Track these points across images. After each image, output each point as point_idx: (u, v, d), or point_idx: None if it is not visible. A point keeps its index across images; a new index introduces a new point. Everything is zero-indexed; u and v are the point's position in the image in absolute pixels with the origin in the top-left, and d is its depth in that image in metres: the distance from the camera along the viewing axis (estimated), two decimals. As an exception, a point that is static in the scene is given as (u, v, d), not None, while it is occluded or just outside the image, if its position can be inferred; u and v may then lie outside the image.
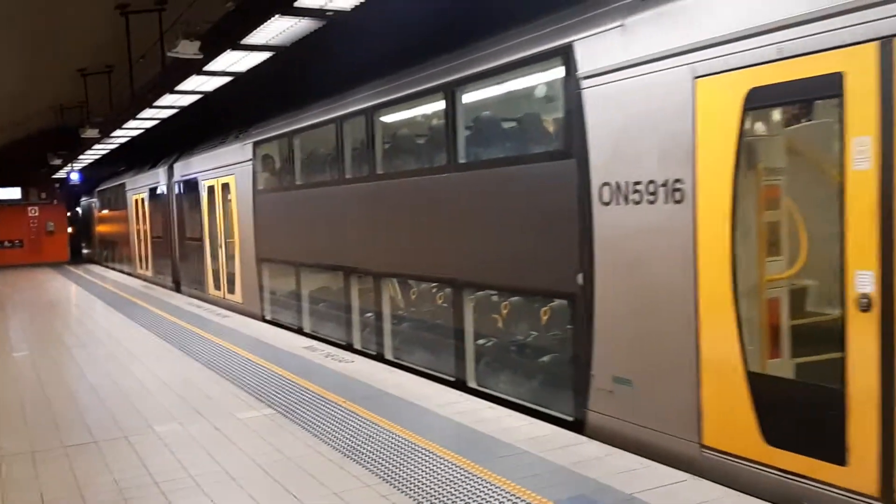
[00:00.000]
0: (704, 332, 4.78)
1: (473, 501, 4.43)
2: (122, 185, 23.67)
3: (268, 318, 12.32)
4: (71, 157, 24.49)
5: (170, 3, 11.33)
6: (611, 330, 5.57)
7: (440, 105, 7.56)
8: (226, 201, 13.88)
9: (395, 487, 4.71)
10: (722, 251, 4.66)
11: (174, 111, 13.87)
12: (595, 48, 5.56)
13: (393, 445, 5.54)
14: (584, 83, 5.64)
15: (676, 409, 5.03)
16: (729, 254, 4.62)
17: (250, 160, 12.31)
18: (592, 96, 5.58)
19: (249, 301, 13.00)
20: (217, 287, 14.90)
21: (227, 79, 10.72)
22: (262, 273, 12.45)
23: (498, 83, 7.19)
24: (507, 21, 6.78)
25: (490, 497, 4.47)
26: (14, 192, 30.17)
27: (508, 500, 4.42)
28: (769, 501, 4.25)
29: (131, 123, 15.84)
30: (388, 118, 9.03)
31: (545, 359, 6.99)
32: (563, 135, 6.09)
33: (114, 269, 26.03)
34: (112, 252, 27.05)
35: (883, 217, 3.82)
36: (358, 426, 6.06)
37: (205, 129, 15.93)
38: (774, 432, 4.41)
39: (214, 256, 14.95)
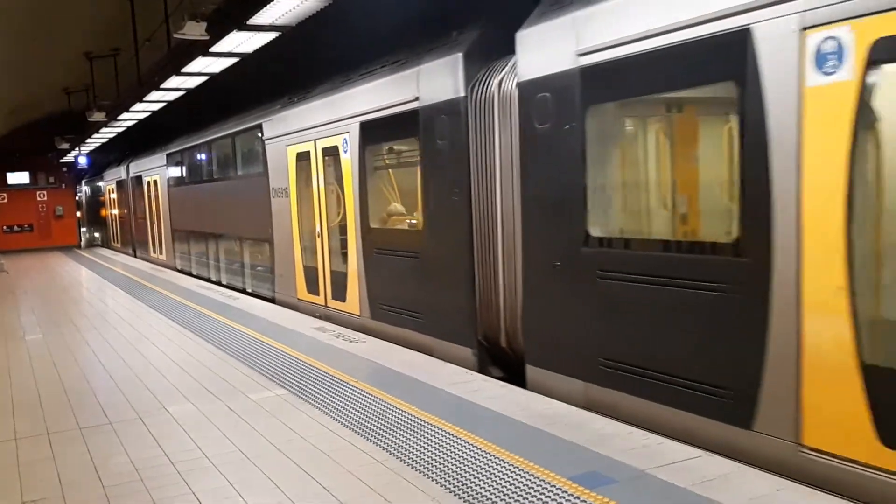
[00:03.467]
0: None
1: (479, 472, 4.46)
2: (101, 176, 31.01)
3: (178, 268, 19.53)
4: (78, 141, 24.50)
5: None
6: (282, 254, 12.49)
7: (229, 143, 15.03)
8: (156, 192, 21.15)
9: (404, 463, 4.79)
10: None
11: (180, 93, 13.82)
12: (271, 126, 12.30)
13: (401, 421, 5.61)
14: (266, 142, 12.51)
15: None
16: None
17: (165, 165, 19.73)
18: (269, 147, 12.48)
19: (168, 257, 20.58)
20: (154, 251, 22.26)
21: (234, 60, 10.62)
22: (174, 239, 19.93)
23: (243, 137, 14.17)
24: (242, 110, 14.56)
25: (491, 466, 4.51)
26: (22, 177, 30.22)
27: (515, 472, 4.46)
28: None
29: (138, 106, 15.75)
30: (216, 147, 16.10)
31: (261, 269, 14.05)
32: (262, 164, 12.84)
33: (96, 245, 32.47)
34: (100, 231, 33.31)
35: None
36: (368, 404, 6.11)
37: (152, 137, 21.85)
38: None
39: (152, 230, 22.19)
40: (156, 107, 15.76)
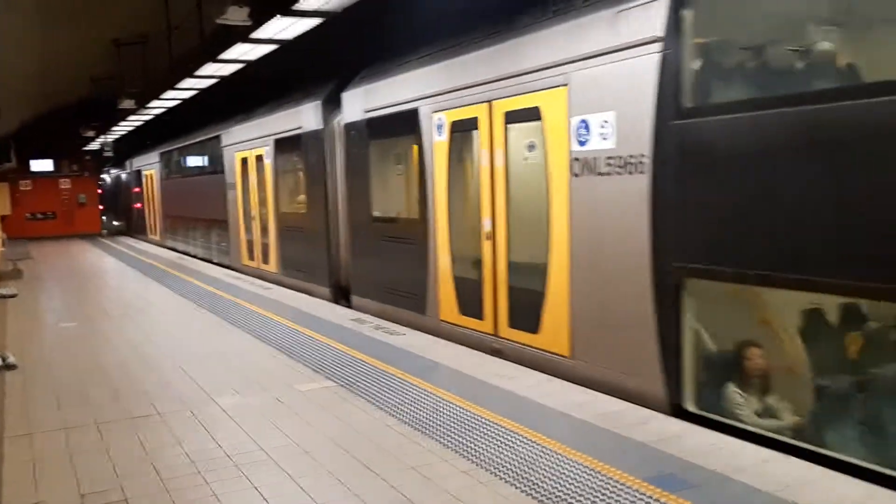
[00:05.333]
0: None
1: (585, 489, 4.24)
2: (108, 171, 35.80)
3: (167, 245, 23.42)
4: (104, 129, 24.46)
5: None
6: (233, 232, 16.41)
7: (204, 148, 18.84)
8: (151, 184, 25.65)
9: (472, 462, 4.58)
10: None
11: (214, 80, 13.55)
12: (227, 137, 16.26)
13: (459, 418, 5.42)
14: (223, 148, 16.57)
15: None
16: None
17: (158, 162, 24.01)
18: (225, 152, 16.46)
19: (162, 238, 24.62)
20: (151, 233, 26.46)
21: (273, 47, 10.40)
22: (166, 222, 24.06)
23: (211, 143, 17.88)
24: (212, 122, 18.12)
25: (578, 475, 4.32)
26: (46, 164, 30.25)
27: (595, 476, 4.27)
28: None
29: (169, 94, 15.55)
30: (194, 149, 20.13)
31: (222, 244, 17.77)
32: (222, 165, 16.69)
33: (119, 233, 33.39)
34: (120, 219, 35.26)
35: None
36: (421, 399, 5.94)
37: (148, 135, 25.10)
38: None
39: (150, 217, 26.67)
40: (187, 94, 15.57)
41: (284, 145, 13.06)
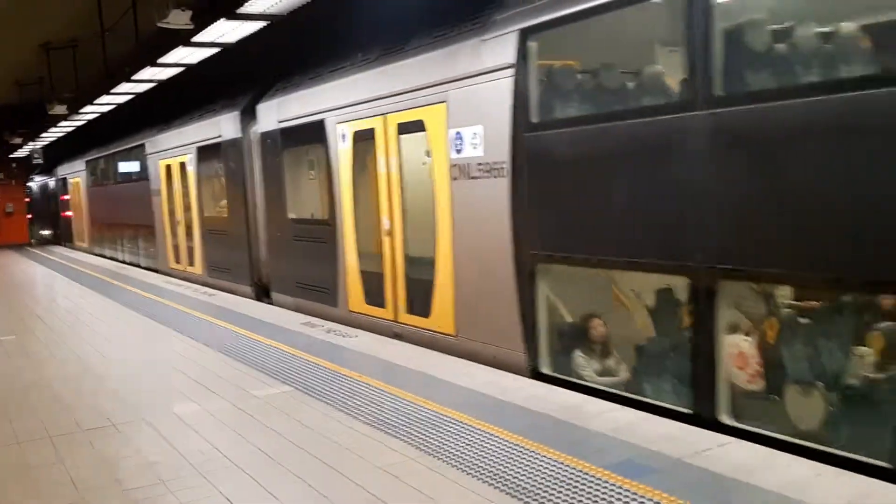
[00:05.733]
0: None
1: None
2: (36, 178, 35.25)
3: (96, 252, 24.05)
4: (32, 136, 24.16)
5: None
6: (159, 236, 17.37)
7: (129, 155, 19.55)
8: (79, 192, 25.89)
9: (439, 460, 4.66)
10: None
11: (151, 84, 13.25)
12: (151, 145, 17.11)
13: (422, 417, 5.46)
14: (147, 156, 17.23)
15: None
16: None
17: (84, 170, 24.34)
18: (149, 160, 17.24)
19: (90, 245, 25.19)
20: (80, 240, 26.76)
21: (215, 50, 10.27)
22: (94, 230, 24.52)
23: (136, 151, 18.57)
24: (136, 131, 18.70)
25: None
26: (-30, 173, 29.76)
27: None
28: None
29: (103, 99, 15.16)
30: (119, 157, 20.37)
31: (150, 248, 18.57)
32: (146, 172, 17.56)
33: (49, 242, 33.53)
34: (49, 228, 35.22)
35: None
36: (381, 400, 5.94)
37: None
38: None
39: (77, 224, 27.13)
40: (122, 99, 15.38)
41: (206, 153, 13.80)
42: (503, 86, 6.48)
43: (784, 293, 5.49)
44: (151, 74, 12.37)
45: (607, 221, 5.73)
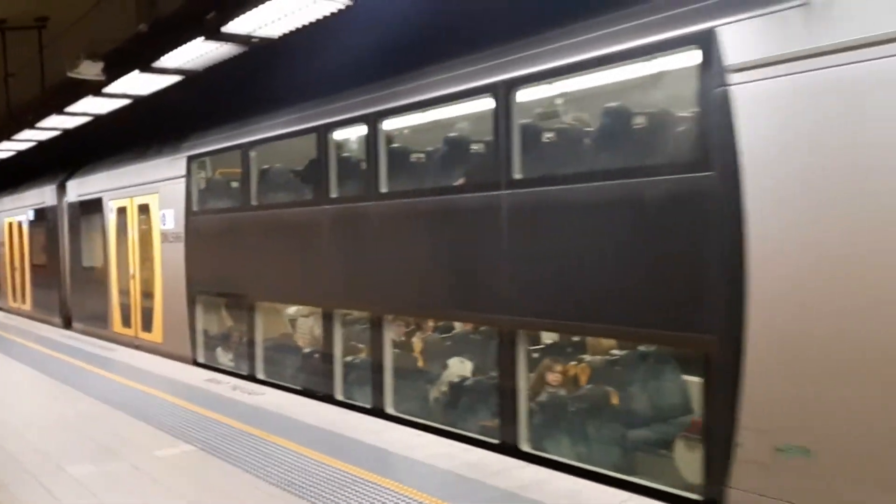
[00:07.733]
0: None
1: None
2: None
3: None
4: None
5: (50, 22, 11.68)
6: (3, 279, 20.81)
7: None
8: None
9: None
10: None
11: (55, 133, 13.42)
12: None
13: (328, 477, 5.39)
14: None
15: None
16: None
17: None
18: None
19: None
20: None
21: (125, 101, 10.58)
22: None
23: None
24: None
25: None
26: None
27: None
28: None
29: (4, 145, 15.58)
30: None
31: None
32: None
33: None
34: None
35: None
36: (288, 459, 5.82)
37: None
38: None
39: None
40: (24, 146, 16.06)
41: (37, 214, 17.94)
42: (181, 186, 10.87)
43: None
44: (56, 123, 12.63)
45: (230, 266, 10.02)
